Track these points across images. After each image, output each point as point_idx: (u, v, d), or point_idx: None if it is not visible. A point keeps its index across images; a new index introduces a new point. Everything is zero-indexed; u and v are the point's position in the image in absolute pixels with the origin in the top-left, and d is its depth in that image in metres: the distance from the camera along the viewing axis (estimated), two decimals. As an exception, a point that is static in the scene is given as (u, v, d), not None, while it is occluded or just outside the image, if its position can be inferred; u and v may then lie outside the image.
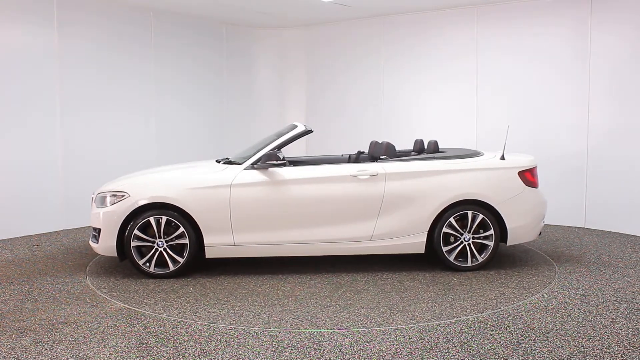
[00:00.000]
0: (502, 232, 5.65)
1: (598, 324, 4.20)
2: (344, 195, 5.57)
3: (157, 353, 3.73)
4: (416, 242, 5.60)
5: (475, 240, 5.63)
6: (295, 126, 6.00)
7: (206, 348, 3.81)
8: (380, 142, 6.38)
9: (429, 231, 5.59)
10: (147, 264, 5.46)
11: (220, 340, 3.94)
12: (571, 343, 3.84)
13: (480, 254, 5.63)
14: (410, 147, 7.03)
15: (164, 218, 5.43)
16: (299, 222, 5.56)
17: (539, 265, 5.87)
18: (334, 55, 9.91)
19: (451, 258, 5.60)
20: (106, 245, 5.49)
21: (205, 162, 6.41)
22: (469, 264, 5.61)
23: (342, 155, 6.99)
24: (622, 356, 3.63)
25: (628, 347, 3.76)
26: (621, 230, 7.44)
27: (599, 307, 4.57)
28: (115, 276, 5.58)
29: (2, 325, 4.25)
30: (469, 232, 5.59)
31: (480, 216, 5.57)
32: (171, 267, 5.47)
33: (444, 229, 5.58)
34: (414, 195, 5.57)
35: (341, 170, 5.64)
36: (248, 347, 3.83)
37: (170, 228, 5.48)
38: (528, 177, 5.76)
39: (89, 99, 8.08)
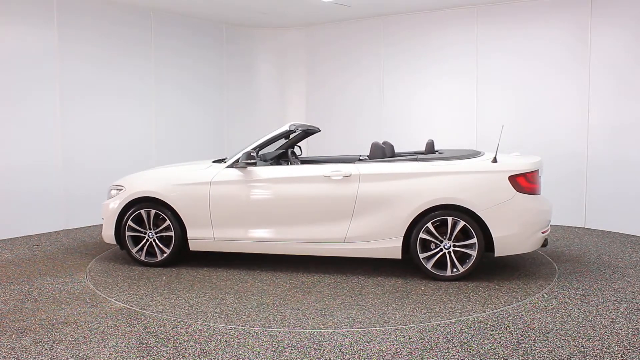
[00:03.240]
0: (489, 241, 5.21)
1: (598, 324, 4.20)
2: (317, 195, 5.51)
3: (157, 353, 3.73)
4: (391, 247, 5.33)
5: (457, 249, 5.24)
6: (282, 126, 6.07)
7: (206, 348, 3.81)
8: (388, 142, 6.28)
9: (405, 236, 5.30)
10: (139, 253, 5.91)
11: (220, 340, 3.94)
12: (571, 343, 3.84)
13: (463, 263, 5.25)
14: (413, 147, 7.01)
15: (153, 211, 5.84)
16: (273, 220, 5.62)
17: (539, 265, 5.87)
18: (334, 55, 9.91)
19: (429, 266, 5.27)
20: (107, 234, 6.00)
21: (202, 161, 6.57)
22: (448, 273, 5.24)
23: (360, 156, 6.96)
24: (622, 356, 3.62)
25: (628, 347, 3.76)
26: (621, 230, 7.44)
27: (599, 307, 4.57)
28: (115, 276, 5.58)
29: (2, 325, 4.25)
30: (449, 239, 5.22)
31: (462, 223, 5.17)
32: (159, 257, 5.87)
33: (421, 235, 5.24)
34: (389, 197, 5.31)
35: (315, 170, 5.62)
36: (248, 347, 3.83)
37: (158, 221, 5.90)
38: (521, 182, 5.22)
39: (88, 99, 8.09)
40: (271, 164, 6.06)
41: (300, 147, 7.14)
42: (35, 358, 3.67)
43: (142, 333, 4.08)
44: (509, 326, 4.16)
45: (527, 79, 8.10)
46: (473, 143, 8.36)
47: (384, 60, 9.35)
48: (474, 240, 5.18)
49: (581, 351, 3.71)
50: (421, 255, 5.28)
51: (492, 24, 8.34)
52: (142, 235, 5.90)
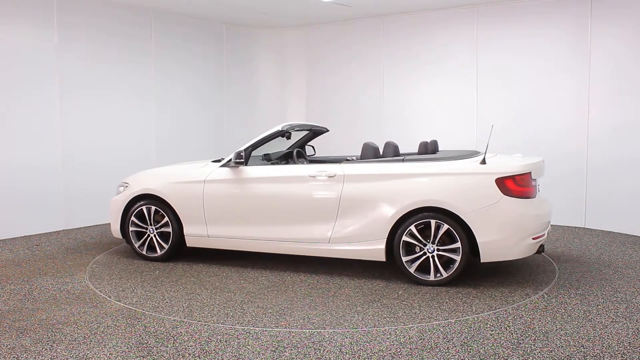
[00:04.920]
0: (475, 246, 4.99)
1: (598, 324, 4.20)
2: (302, 195, 5.51)
3: (157, 353, 3.73)
4: (375, 249, 5.22)
5: (441, 253, 5.04)
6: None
7: (206, 348, 3.81)
8: (392, 143, 6.19)
9: (388, 239, 5.17)
10: (141, 247, 6.17)
11: (220, 340, 3.94)
12: (571, 343, 3.84)
13: (449, 268, 5.05)
14: (415, 147, 6.99)
15: (153, 208, 6.06)
16: (260, 219, 5.68)
17: (539, 265, 5.87)
18: (334, 55, 9.90)
19: (412, 270, 5.11)
20: (114, 228, 6.28)
21: (202, 161, 6.66)
22: (432, 278, 5.06)
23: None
24: (622, 356, 3.62)
25: (628, 347, 3.76)
26: (621, 230, 7.44)
27: (599, 307, 4.57)
28: (115, 276, 5.59)
29: (2, 325, 4.25)
30: (432, 243, 5.04)
31: (445, 226, 4.97)
32: (159, 251, 6.09)
33: (404, 238, 5.09)
34: (372, 199, 5.22)
35: (300, 170, 5.64)
36: (248, 347, 3.83)
37: (158, 217, 6.11)
38: (509, 185, 4.95)
39: (88, 98, 8.09)
40: (273, 164, 6.08)
41: (313, 147, 7.16)
42: (35, 358, 3.67)
43: (142, 333, 4.08)
44: (509, 326, 4.16)
45: (527, 78, 8.10)
46: (473, 143, 8.36)
47: (384, 60, 9.35)
48: (458, 244, 4.97)
49: (581, 351, 3.70)
50: (404, 259, 5.13)
51: (492, 24, 8.34)
52: (144, 230, 6.13)
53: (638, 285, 5.15)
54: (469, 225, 4.94)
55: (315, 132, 6.89)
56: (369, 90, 9.53)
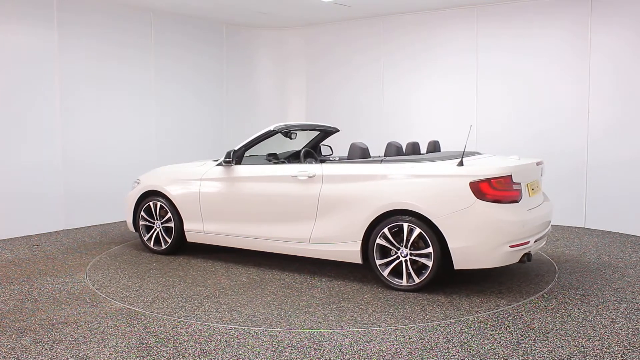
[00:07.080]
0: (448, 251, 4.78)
1: (598, 324, 4.20)
2: (284, 195, 5.56)
3: (157, 353, 3.73)
4: (351, 251, 5.14)
5: (415, 258, 4.87)
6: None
7: (206, 348, 3.81)
8: (394, 143, 6.04)
9: (363, 241, 5.07)
10: (149, 241, 6.49)
11: (220, 340, 3.94)
12: (571, 343, 3.84)
13: (421, 273, 4.87)
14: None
15: (159, 204, 6.36)
16: (247, 217, 5.80)
17: (539, 265, 5.87)
18: (334, 55, 9.90)
19: (385, 273, 4.97)
20: (128, 222, 6.68)
21: (205, 160, 6.71)
22: (404, 282, 4.90)
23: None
24: (622, 356, 3.63)
25: (628, 347, 3.76)
26: (621, 230, 7.43)
27: (599, 307, 4.57)
28: (115, 276, 5.59)
29: (2, 325, 4.25)
30: (405, 246, 4.87)
31: (418, 230, 4.79)
32: (163, 245, 6.39)
33: (378, 241, 4.97)
34: (347, 200, 5.16)
35: (283, 170, 5.67)
36: (248, 347, 3.83)
37: (163, 212, 6.39)
38: (484, 188, 4.67)
39: (88, 99, 8.09)
40: (276, 164, 6.08)
41: (330, 147, 7.17)
42: (35, 358, 3.67)
43: (142, 333, 4.08)
44: (509, 326, 4.16)
45: (527, 78, 8.09)
46: (473, 142, 8.35)
47: (384, 60, 9.35)
48: (430, 249, 4.78)
49: (581, 351, 3.71)
50: (378, 262, 5.01)
51: (492, 24, 8.33)
52: (152, 225, 6.47)
53: (638, 285, 5.15)
54: (441, 229, 4.74)
55: (326, 132, 6.92)
56: (369, 90, 9.52)
